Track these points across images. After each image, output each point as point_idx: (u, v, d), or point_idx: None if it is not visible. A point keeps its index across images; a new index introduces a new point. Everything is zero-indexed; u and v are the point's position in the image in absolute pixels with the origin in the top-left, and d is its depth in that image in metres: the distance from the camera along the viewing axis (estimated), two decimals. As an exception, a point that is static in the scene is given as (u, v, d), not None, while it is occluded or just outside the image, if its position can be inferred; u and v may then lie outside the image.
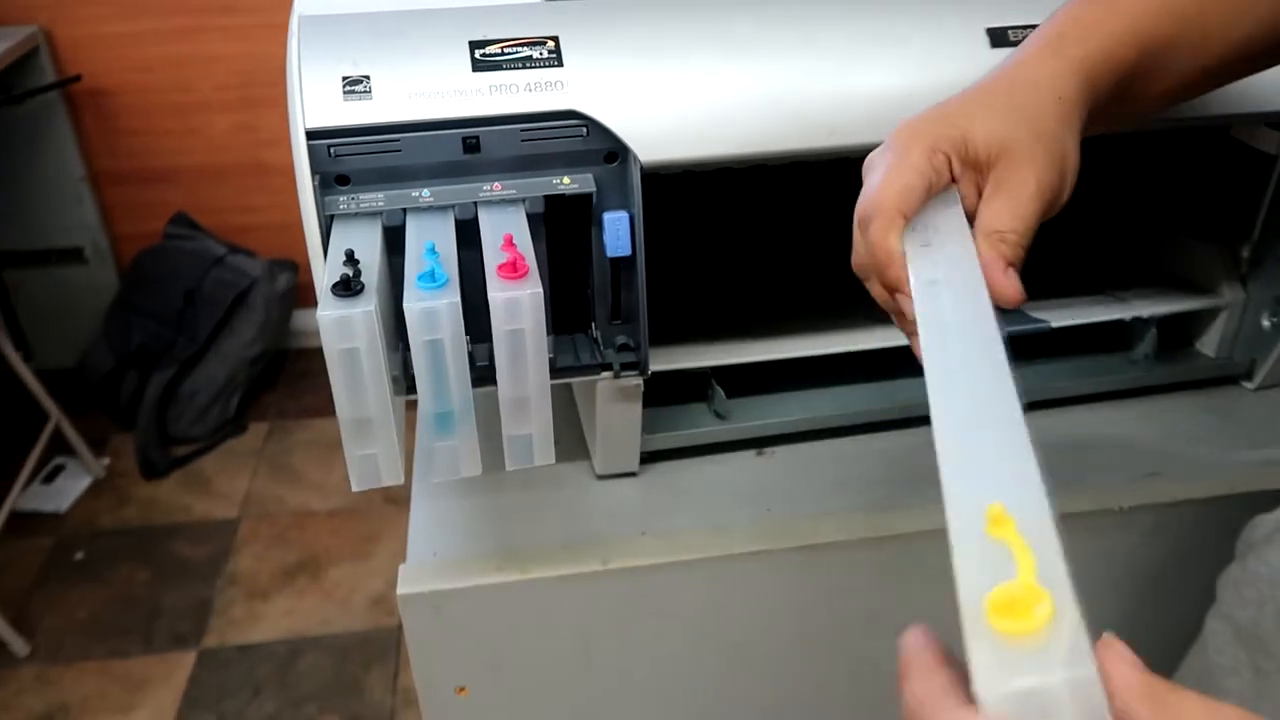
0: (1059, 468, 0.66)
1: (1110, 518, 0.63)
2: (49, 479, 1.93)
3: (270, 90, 2.08)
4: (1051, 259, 0.76)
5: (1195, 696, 0.25)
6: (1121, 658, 0.25)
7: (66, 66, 2.02)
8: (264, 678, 1.53)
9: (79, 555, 1.77)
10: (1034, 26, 0.49)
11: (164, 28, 2.01)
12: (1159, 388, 0.74)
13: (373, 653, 1.57)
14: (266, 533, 1.82)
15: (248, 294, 2.09)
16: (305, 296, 2.29)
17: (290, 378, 2.26)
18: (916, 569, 0.61)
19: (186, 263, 2.10)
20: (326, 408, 2.17)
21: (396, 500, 1.87)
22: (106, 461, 1.99)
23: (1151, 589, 0.67)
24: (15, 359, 1.73)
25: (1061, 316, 0.70)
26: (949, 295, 0.36)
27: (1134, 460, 0.67)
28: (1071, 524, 0.65)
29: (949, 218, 0.41)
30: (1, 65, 1.80)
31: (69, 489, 1.92)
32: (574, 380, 0.58)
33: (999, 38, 0.57)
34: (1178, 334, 0.75)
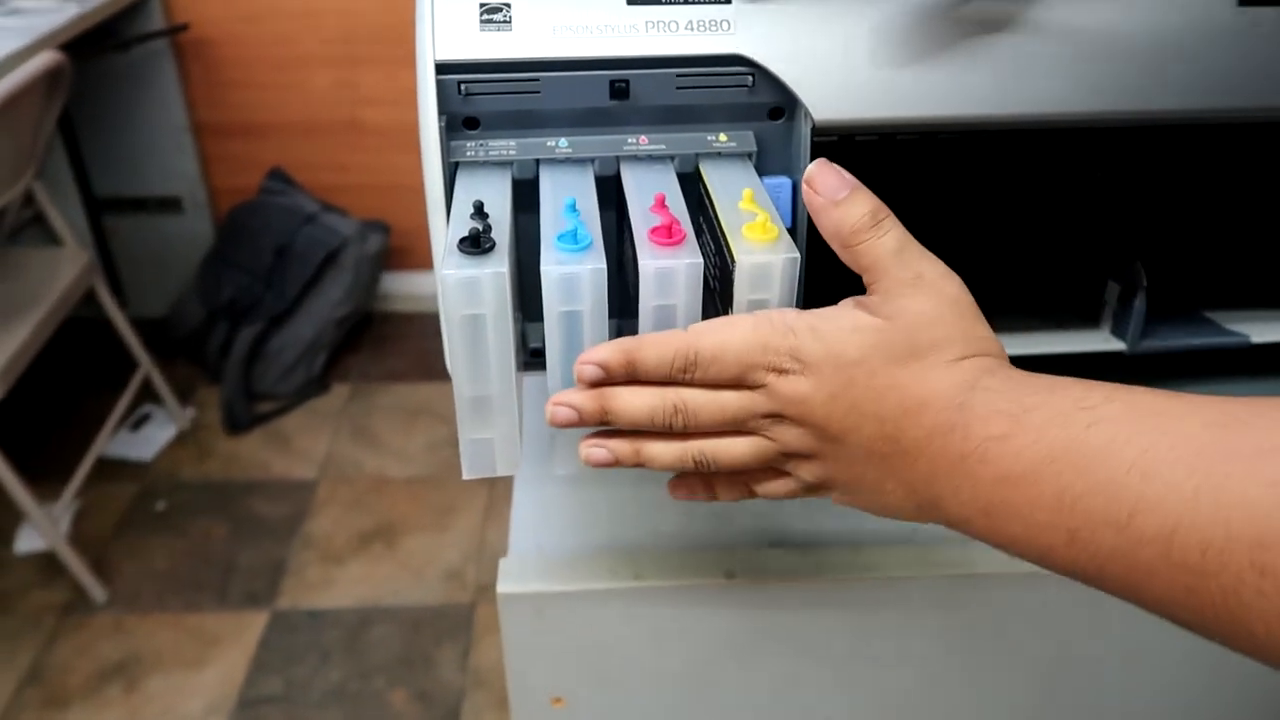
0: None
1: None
2: (136, 426, 1.94)
3: (372, 48, 2.05)
4: (1259, 264, 0.66)
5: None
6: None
7: (176, 15, 2.02)
8: (333, 645, 1.51)
9: (160, 505, 1.77)
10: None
11: (271, -21, 2.00)
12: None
13: (444, 628, 1.53)
14: (344, 496, 1.80)
15: (338, 254, 2.07)
16: (395, 259, 2.26)
17: (375, 340, 2.24)
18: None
19: (279, 219, 2.09)
20: (410, 372, 2.17)
21: (475, 473, 1.83)
22: (192, 413, 1.99)
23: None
24: (111, 305, 1.73)
25: (1266, 331, 0.61)
26: None
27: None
28: None
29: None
30: (113, 11, 1.80)
31: (155, 438, 1.92)
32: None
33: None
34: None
